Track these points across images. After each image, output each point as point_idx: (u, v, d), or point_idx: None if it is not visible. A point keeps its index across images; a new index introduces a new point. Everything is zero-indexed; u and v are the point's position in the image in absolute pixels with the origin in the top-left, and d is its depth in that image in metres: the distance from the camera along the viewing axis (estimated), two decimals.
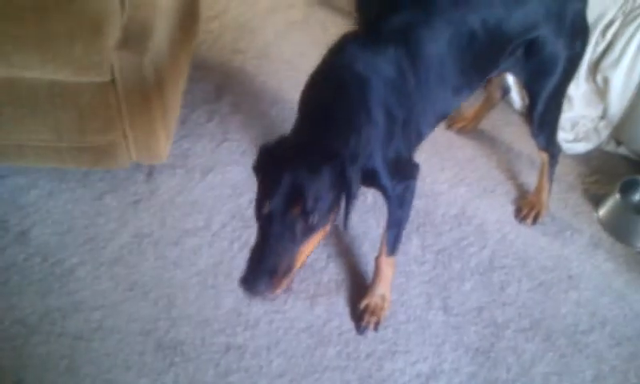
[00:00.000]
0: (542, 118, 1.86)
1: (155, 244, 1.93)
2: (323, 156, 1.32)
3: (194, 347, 1.71)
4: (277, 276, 1.29)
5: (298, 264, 1.33)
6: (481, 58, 1.64)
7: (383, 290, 1.80)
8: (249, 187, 2.09)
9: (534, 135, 1.94)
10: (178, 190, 2.08)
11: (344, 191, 1.35)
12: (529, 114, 1.89)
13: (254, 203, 1.36)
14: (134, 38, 1.78)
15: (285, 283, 1.31)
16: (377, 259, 1.79)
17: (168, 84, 1.98)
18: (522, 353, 1.76)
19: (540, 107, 1.83)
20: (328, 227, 1.37)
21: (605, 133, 2.30)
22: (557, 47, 1.70)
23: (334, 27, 2.71)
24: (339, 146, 1.35)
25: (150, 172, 2.11)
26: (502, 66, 1.74)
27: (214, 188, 2.10)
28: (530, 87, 1.82)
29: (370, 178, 1.51)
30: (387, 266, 1.78)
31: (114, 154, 1.97)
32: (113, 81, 1.79)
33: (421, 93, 1.53)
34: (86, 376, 1.63)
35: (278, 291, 1.31)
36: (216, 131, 2.27)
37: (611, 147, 2.32)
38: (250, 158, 2.17)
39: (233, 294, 1.82)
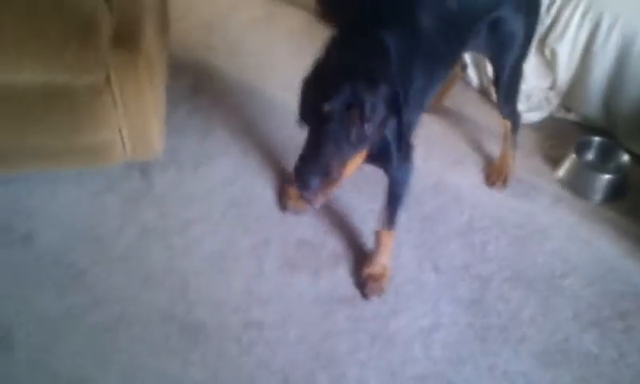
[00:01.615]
0: (508, 88, 2.08)
1: (161, 236, 2.02)
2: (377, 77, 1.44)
3: (214, 327, 1.82)
4: (327, 178, 1.39)
5: (344, 174, 1.44)
6: (458, 36, 1.82)
7: (384, 260, 1.95)
8: (238, 176, 2.21)
9: (500, 106, 2.15)
10: (173, 185, 2.17)
11: (394, 115, 1.48)
12: (495, 86, 2.09)
13: (300, 107, 1.53)
14: (127, 35, 1.85)
15: (329, 190, 1.42)
16: (377, 232, 1.93)
17: (157, 80, 2.06)
18: (509, 300, 1.96)
19: (505, 79, 2.04)
20: (365, 151, 1.50)
21: (555, 101, 2.54)
22: (516, 24, 1.92)
23: (296, 21, 2.86)
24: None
25: (144, 169, 2.18)
26: (470, 44, 1.93)
27: (206, 180, 2.20)
28: (496, 62, 2.03)
29: (381, 150, 1.62)
30: (387, 238, 1.93)
31: (109, 151, 2.03)
32: (107, 79, 1.85)
33: (422, 68, 1.67)
34: (118, 364, 1.71)
35: (322, 197, 1.42)
36: (199, 126, 2.38)
37: (561, 114, 2.57)
38: (234, 148, 2.30)
39: (242, 274, 1.94)
